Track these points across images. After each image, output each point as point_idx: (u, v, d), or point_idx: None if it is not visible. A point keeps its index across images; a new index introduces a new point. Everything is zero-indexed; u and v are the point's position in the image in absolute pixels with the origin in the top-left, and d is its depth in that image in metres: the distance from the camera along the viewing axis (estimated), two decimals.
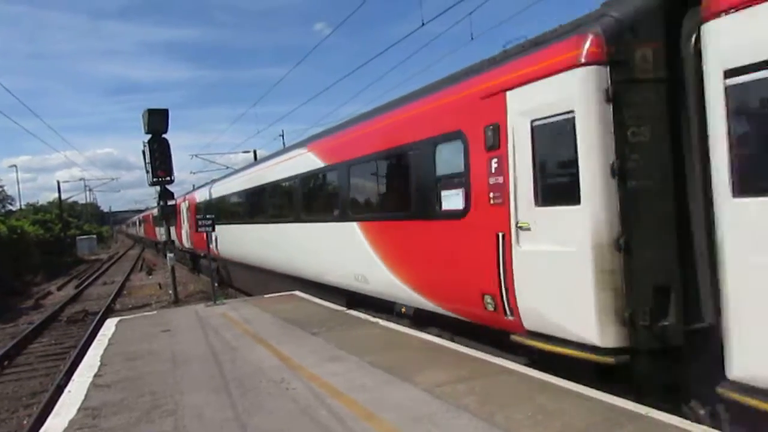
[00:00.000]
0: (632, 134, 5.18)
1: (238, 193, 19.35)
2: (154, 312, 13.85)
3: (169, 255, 20.17)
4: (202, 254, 22.26)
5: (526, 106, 5.88)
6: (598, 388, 5.37)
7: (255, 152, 38.87)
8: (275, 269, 15.70)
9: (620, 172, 5.16)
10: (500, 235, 6.23)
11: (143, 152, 18.22)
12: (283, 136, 41.89)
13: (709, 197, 4.58)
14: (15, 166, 55.08)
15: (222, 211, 20.76)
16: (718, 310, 4.53)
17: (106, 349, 8.84)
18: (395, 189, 9.07)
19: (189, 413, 5.56)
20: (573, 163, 5.39)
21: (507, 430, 4.58)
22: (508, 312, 6.28)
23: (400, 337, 8.19)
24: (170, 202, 19.19)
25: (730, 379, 4.36)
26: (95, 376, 7.28)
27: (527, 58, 6.07)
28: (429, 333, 8.15)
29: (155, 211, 35.79)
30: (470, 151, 6.78)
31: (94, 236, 74.45)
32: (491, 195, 6.41)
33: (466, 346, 7.31)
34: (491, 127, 6.36)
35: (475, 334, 7.38)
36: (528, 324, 6.07)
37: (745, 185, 4.20)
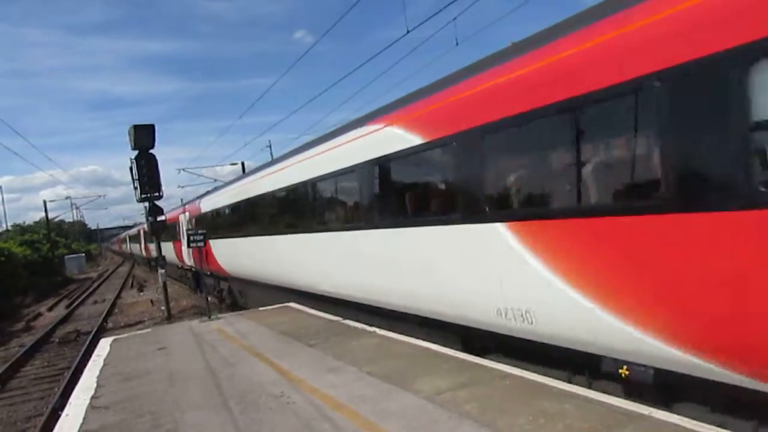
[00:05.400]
0: None
1: None
2: (148, 330, 13.71)
3: (161, 271, 20.02)
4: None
5: None
6: (596, 390, 5.41)
7: (243, 164, 38.78)
8: None
9: None
10: None
11: (131, 169, 18.15)
12: (270, 147, 41.87)
13: None
14: (0, 187, 54.34)
15: None
16: None
17: (101, 370, 8.74)
18: None
19: None
20: None
21: None
22: None
23: (397, 345, 8.18)
24: (159, 218, 19.11)
25: None
26: (92, 397, 7.20)
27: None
28: (430, 341, 8.15)
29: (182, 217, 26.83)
30: None
31: (83, 254, 73.75)
32: None
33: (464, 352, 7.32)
34: None
35: (473, 342, 7.39)
36: None
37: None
